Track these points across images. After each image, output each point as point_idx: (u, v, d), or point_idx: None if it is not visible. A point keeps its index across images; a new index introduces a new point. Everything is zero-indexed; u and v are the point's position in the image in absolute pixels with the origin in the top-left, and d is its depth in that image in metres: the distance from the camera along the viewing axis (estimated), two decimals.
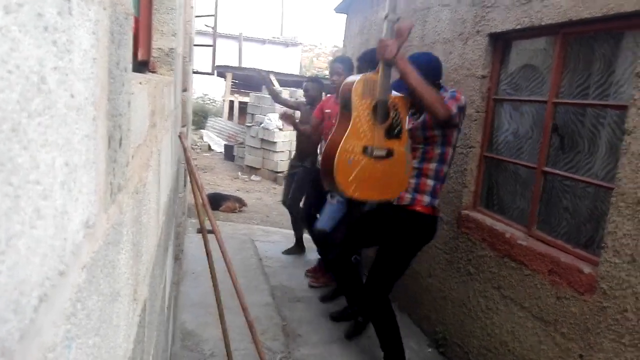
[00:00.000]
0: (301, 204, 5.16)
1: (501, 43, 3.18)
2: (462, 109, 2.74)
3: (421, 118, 2.87)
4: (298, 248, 5.46)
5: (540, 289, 2.60)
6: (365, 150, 2.62)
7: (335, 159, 2.58)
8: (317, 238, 4.20)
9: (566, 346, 2.41)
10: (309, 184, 4.89)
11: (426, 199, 2.88)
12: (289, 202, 5.21)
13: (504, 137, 3.23)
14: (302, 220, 5.01)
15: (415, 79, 2.55)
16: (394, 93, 2.71)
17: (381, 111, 2.65)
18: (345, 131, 2.60)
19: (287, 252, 5.43)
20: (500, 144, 3.26)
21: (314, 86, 5.10)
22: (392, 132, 2.68)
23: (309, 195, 4.92)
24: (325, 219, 3.99)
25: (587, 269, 2.33)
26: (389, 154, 2.67)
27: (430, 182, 2.87)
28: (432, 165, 2.87)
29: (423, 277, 3.83)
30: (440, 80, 2.92)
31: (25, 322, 0.35)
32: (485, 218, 3.18)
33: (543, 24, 2.66)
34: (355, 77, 2.69)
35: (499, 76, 3.23)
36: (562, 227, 2.72)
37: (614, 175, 2.23)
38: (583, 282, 2.33)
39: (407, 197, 2.90)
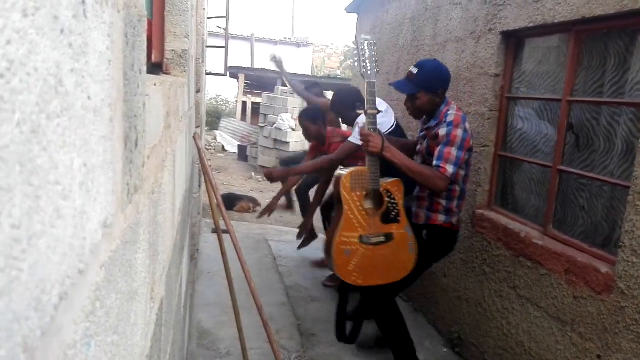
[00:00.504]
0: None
1: (514, 41, 3.16)
2: (463, 150, 2.65)
3: (424, 144, 2.85)
4: (310, 237, 5.41)
5: (556, 288, 2.58)
6: (361, 239, 2.70)
7: (332, 252, 2.69)
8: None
9: (584, 346, 2.38)
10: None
11: (441, 217, 2.86)
12: (300, 189, 5.21)
13: (518, 135, 3.21)
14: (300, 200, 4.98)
15: (405, 165, 2.62)
16: (386, 179, 2.75)
17: (375, 199, 2.73)
18: (339, 225, 2.70)
19: (301, 246, 5.41)
20: (515, 142, 3.23)
21: (319, 91, 5.03)
22: (389, 217, 2.74)
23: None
24: None
25: (604, 268, 2.31)
26: (389, 238, 2.73)
27: (442, 202, 2.83)
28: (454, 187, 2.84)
29: (438, 277, 3.81)
30: (439, 89, 2.84)
31: (46, 319, 0.35)
32: (500, 217, 3.16)
33: (556, 21, 2.63)
34: (343, 172, 2.76)
35: (512, 74, 3.21)
36: (578, 226, 2.70)
37: (630, 173, 2.21)
38: (600, 281, 2.30)
39: (422, 216, 2.90)
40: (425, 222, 2.88)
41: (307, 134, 4.37)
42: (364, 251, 2.70)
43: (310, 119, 4.27)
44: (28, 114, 0.32)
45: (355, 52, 2.75)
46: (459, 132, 2.65)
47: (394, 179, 2.77)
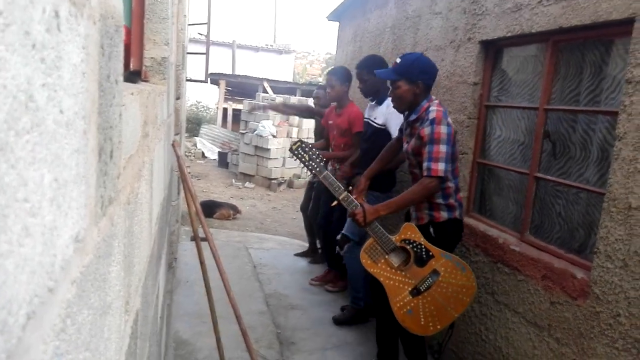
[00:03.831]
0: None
1: (492, 50, 3.20)
2: (450, 144, 2.72)
3: (412, 143, 2.87)
4: (311, 253, 5.48)
5: (533, 294, 2.61)
6: (412, 294, 2.73)
7: (399, 321, 2.73)
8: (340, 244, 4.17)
9: (560, 351, 2.41)
10: (325, 193, 4.86)
11: (444, 214, 2.86)
12: (310, 211, 5.21)
13: (496, 143, 3.25)
14: (318, 229, 4.99)
15: (399, 206, 2.80)
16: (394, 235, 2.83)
17: (399, 256, 2.79)
18: (387, 295, 2.76)
19: (298, 254, 5.52)
20: (493, 150, 3.27)
21: (325, 94, 5.02)
22: (423, 258, 2.77)
23: (324, 204, 4.85)
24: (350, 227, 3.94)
25: (580, 274, 2.34)
26: (436, 275, 2.75)
27: (440, 200, 2.85)
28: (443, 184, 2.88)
29: None
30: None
31: (12, 341, 0.34)
32: (479, 224, 3.19)
33: (534, 31, 2.68)
34: (360, 252, 2.86)
35: (491, 83, 3.25)
36: (555, 232, 2.74)
37: (605, 180, 2.25)
38: (576, 287, 2.33)
39: (425, 217, 2.91)
40: (428, 221, 2.89)
41: (329, 93, 4.36)
42: (423, 301, 2.73)
43: (340, 78, 4.27)
44: None
45: (295, 159, 3.02)
46: (442, 129, 2.69)
47: (404, 225, 2.83)
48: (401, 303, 2.72)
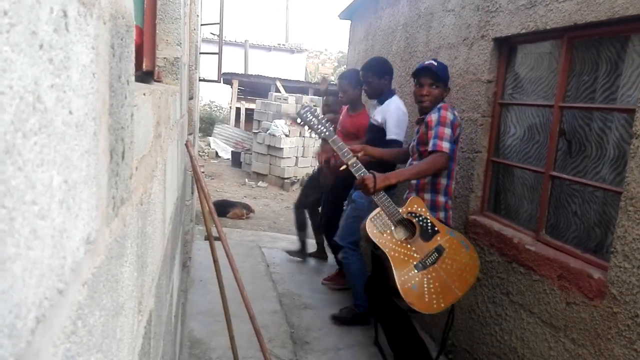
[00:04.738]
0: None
1: (506, 47, 3.17)
2: (453, 132, 2.82)
3: (415, 137, 2.96)
4: (319, 253, 5.46)
5: (549, 294, 2.58)
6: (417, 268, 2.69)
7: (403, 295, 2.65)
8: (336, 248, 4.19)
9: (576, 352, 2.38)
10: (327, 195, 4.86)
11: (441, 215, 2.94)
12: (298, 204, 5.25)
13: (510, 141, 3.22)
14: (321, 230, 4.99)
15: (408, 177, 2.79)
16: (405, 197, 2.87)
17: (404, 228, 2.77)
18: (391, 269, 2.69)
19: (290, 252, 5.47)
20: (507, 148, 3.24)
21: (335, 100, 5.00)
22: (428, 232, 2.75)
23: (327, 206, 4.85)
24: (344, 233, 3.94)
25: (596, 274, 2.31)
26: (440, 251, 2.73)
27: (442, 199, 2.95)
28: (443, 181, 2.96)
29: None
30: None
31: (20, 345, 0.34)
32: (493, 223, 3.16)
33: (548, 28, 2.64)
34: (364, 222, 2.81)
35: (505, 80, 3.22)
36: (570, 231, 2.70)
37: (622, 179, 2.21)
38: (593, 287, 2.30)
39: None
40: None
41: (341, 97, 4.36)
42: (428, 277, 2.70)
43: (351, 82, 4.26)
44: (1, 134, 0.31)
45: (303, 124, 2.96)
46: (448, 115, 2.83)
47: (410, 198, 2.84)
48: (406, 277, 2.67)
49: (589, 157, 2.60)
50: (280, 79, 18.00)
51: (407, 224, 2.78)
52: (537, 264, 2.66)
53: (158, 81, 2.16)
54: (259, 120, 13.42)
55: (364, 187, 2.73)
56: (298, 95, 14.59)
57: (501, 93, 3.23)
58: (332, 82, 11.56)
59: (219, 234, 2.66)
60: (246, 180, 12.81)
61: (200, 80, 7.13)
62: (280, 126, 12.07)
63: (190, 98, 4.10)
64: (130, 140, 0.81)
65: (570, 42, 2.65)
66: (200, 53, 6.79)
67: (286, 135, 12.16)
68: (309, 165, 12.56)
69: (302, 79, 23.01)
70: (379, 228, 2.73)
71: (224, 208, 8.22)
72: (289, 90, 17.02)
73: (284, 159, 12.29)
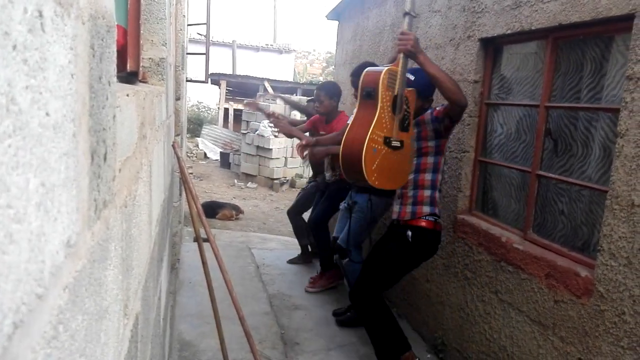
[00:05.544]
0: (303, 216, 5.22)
1: (492, 48, 3.19)
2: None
3: (415, 131, 2.93)
4: (303, 257, 5.42)
5: (537, 292, 2.59)
6: (385, 140, 2.69)
7: (364, 146, 2.62)
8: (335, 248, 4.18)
9: (565, 350, 2.39)
10: (319, 197, 4.88)
11: (426, 209, 2.94)
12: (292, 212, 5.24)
13: (497, 141, 3.23)
14: (309, 229, 4.97)
15: (436, 67, 2.67)
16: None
17: (399, 103, 2.72)
18: (371, 121, 2.65)
19: (291, 261, 5.39)
20: (494, 148, 3.26)
21: (311, 105, 5.00)
22: (404, 124, 2.76)
23: (323, 207, 4.84)
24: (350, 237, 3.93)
25: (583, 272, 2.33)
26: (402, 145, 2.76)
27: (427, 193, 2.95)
28: (428, 176, 2.97)
29: (421, 283, 3.81)
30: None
31: None
32: (481, 222, 3.17)
33: (533, 28, 2.66)
34: (379, 68, 2.76)
35: (491, 80, 3.23)
36: (557, 230, 2.72)
37: (608, 178, 2.23)
38: (580, 285, 2.32)
39: (408, 211, 2.97)
40: (411, 217, 2.96)
41: (317, 108, 4.38)
42: (386, 153, 2.69)
43: (328, 93, 4.29)
44: None
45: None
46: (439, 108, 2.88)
47: (411, 88, 2.81)
48: (376, 137, 2.65)
49: (575, 157, 2.62)
50: (268, 80, 17.97)
51: (398, 103, 2.73)
52: (525, 262, 2.68)
53: (143, 82, 2.14)
54: (247, 121, 13.39)
55: (404, 40, 2.60)
56: (286, 95, 14.57)
57: (487, 93, 3.25)
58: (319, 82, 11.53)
59: (208, 235, 2.64)
60: (235, 181, 12.77)
61: (187, 80, 7.10)
62: (268, 127, 12.04)
63: (178, 99, 4.08)
64: (113, 142, 0.80)
65: (555, 43, 2.67)
66: (188, 53, 6.75)
67: (275, 136, 12.14)
68: (298, 166, 12.54)
69: (291, 79, 22.99)
70: (389, 83, 2.69)
71: (213, 209, 8.19)
72: (277, 90, 16.98)
73: (272, 160, 12.27)
